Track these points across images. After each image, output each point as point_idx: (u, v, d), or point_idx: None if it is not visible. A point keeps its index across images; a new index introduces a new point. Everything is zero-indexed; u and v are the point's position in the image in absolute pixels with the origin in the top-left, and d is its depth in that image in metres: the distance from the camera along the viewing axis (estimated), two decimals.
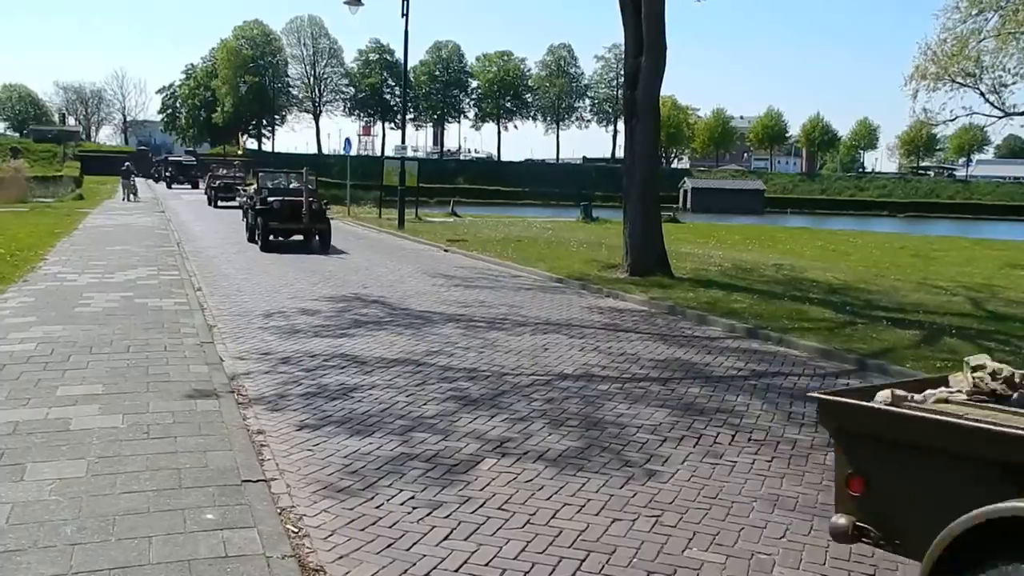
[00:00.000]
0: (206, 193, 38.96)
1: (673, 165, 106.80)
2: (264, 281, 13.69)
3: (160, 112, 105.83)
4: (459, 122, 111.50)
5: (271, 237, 18.76)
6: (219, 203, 35.45)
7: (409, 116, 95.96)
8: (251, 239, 20.08)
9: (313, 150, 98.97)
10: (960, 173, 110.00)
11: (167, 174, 59.43)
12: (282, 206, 18.75)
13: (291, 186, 20.64)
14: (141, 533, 3.98)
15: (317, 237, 19.22)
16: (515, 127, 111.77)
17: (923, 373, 8.14)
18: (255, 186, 20.57)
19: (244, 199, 23.20)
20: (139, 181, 44.19)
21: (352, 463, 5.28)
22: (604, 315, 11.51)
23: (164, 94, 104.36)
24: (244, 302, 11.54)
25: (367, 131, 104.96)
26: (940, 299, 13.35)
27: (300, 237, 19.38)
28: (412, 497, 4.77)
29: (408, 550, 4.11)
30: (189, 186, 55.45)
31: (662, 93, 16.00)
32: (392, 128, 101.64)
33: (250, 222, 20.35)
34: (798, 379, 8.13)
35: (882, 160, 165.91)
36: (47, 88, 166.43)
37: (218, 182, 37.48)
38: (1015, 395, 3.27)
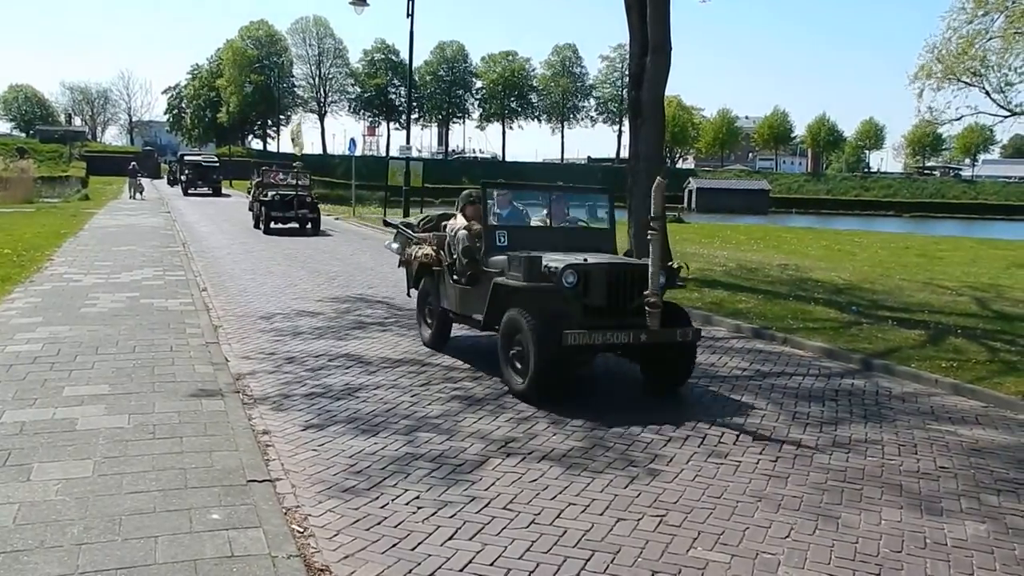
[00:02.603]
0: (251, 208, 27.33)
1: (678, 165, 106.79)
2: (269, 281, 13.72)
3: (166, 112, 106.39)
4: (464, 122, 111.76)
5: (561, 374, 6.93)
6: (272, 224, 23.62)
7: (414, 116, 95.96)
8: (435, 342, 8.96)
9: (318, 150, 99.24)
10: (966, 173, 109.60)
11: (183, 177, 48.09)
12: (585, 281, 7.06)
13: (533, 222, 8.69)
14: (147, 533, 4.00)
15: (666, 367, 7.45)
16: (520, 127, 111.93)
17: (930, 374, 8.14)
18: (457, 219, 8.63)
19: (415, 252, 9.26)
20: (145, 181, 45.25)
21: (357, 463, 5.30)
22: None
23: (170, 94, 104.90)
24: (249, 302, 11.56)
25: (372, 131, 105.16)
26: (946, 299, 13.31)
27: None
28: (417, 497, 4.78)
29: (413, 550, 4.12)
30: (210, 192, 46.03)
31: (667, 93, 15.97)
32: (397, 128, 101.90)
33: (450, 308, 8.63)
34: (803, 379, 8.12)
35: (888, 160, 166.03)
36: (53, 88, 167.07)
37: (272, 193, 24.51)
38: None
